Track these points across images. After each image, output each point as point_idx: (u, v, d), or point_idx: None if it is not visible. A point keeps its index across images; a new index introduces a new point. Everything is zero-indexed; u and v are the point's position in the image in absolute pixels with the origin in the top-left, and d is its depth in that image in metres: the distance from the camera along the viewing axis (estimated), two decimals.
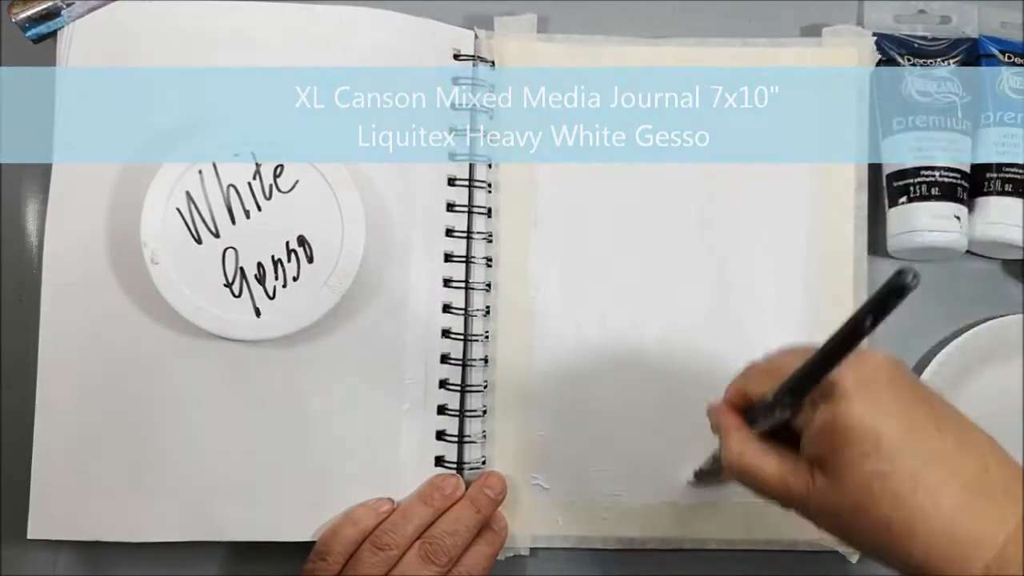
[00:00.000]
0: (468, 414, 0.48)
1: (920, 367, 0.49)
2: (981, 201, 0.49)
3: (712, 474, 0.45)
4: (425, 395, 0.47)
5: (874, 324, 0.31)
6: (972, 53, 0.50)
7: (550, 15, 0.51)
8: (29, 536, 0.45)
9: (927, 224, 0.48)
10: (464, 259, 0.48)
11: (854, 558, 0.48)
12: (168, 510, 0.45)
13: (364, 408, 0.46)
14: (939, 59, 0.50)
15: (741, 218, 0.49)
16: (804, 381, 0.33)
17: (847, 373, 0.33)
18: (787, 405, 0.34)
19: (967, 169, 0.49)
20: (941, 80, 0.49)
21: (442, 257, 0.48)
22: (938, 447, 0.32)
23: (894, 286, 0.30)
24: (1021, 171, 0.49)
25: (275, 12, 0.48)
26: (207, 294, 0.44)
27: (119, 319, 0.46)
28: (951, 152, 0.48)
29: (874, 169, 0.50)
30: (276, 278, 0.45)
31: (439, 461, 0.47)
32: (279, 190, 0.45)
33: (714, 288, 0.49)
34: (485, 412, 0.48)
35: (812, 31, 0.51)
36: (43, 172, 0.47)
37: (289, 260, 0.45)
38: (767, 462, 0.35)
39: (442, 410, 0.47)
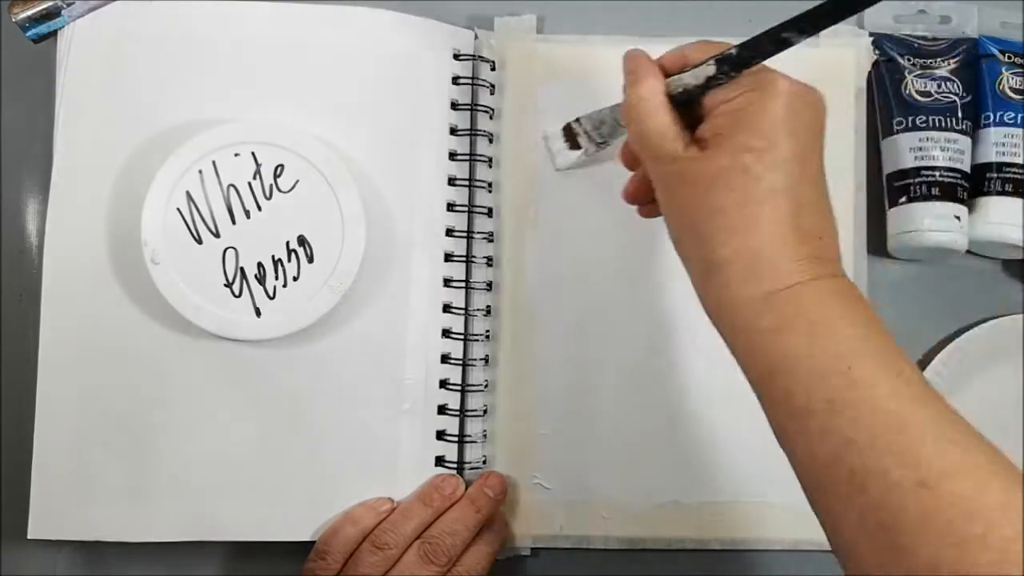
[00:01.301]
0: (468, 414, 0.48)
1: (920, 367, 0.49)
2: (981, 201, 0.49)
3: (592, 128, 0.45)
4: (425, 395, 0.47)
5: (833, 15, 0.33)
6: (972, 53, 0.50)
7: (550, 15, 0.51)
8: (29, 536, 0.45)
9: (927, 224, 0.48)
10: (464, 259, 0.48)
11: None
12: (168, 510, 0.45)
13: (364, 408, 0.46)
14: (939, 59, 0.50)
15: None
16: (754, 53, 0.34)
17: (789, 81, 0.35)
18: (722, 73, 0.35)
19: (967, 169, 0.49)
20: (941, 80, 0.49)
21: (442, 257, 0.48)
22: (807, 190, 0.34)
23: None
24: (1021, 171, 0.49)
25: (275, 12, 0.48)
26: (207, 294, 0.44)
27: (119, 319, 0.46)
28: (951, 152, 0.48)
29: (874, 169, 0.50)
30: (276, 278, 0.45)
31: (439, 461, 0.47)
32: (279, 190, 0.45)
33: None
34: (486, 412, 0.48)
35: None
36: (43, 172, 0.47)
37: (289, 260, 0.45)
38: (662, 114, 0.36)
39: (442, 410, 0.47)
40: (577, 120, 0.46)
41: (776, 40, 0.34)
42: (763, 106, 0.34)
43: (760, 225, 0.33)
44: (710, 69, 0.35)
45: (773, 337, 0.33)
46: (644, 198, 0.42)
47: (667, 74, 0.37)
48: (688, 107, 0.37)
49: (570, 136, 0.47)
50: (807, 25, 0.34)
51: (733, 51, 0.35)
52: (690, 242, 0.36)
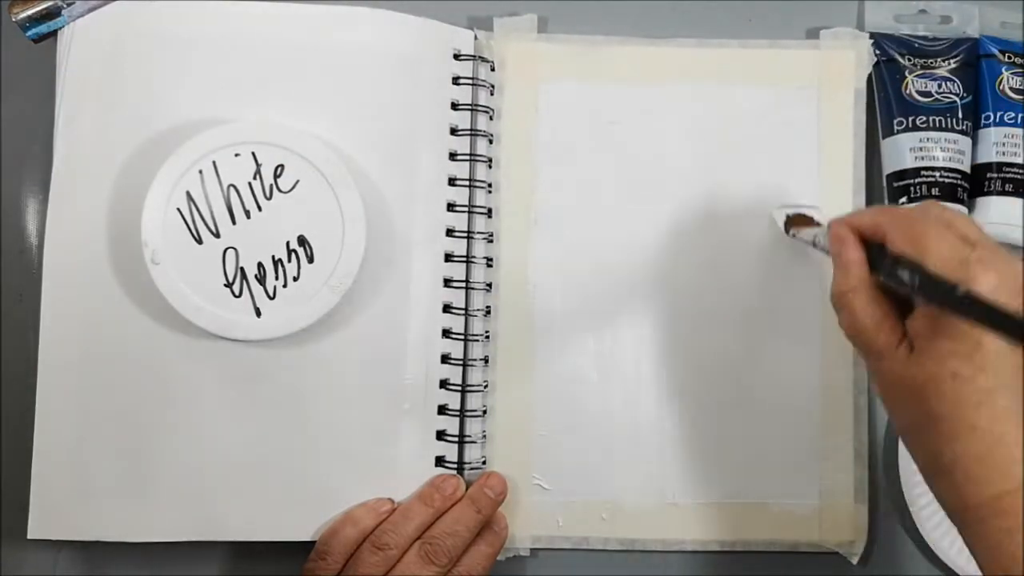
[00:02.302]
0: (469, 414, 0.48)
1: None
2: (981, 201, 0.49)
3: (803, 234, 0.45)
4: (425, 395, 0.47)
5: None
6: (972, 53, 0.50)
7: (550, 15, 0.51)
8: (29, 536, 0.45)
9: None
10: (464, 259, 0.48)
11: (854, 559, 0.48)
12: (168, 510, 0.45)
13: (364, 408, 0.46)
14: (939, 59, 0.50)
15: (741, 219, 0.49)
16: (948, 302, 0.32)
17: (986, 277, 0.33)
18: (927, 295, 0.33)
19: (967, 169, 0.49)
20: (941, 80, 0.49)
21: (442, 257, 0.48)
22: (1019, 385, 0.33)
23: None
24: (1021, 171, 0.49)
25: (275, 12, 0.48)
26: (207, 294, 0.44)
27: (119, 319, 0.46)
28: (951, 152, 0.48)
29: (874, 169, 0.50)
30: (276, 278, 0.45)
31: (439, 461, 0.47)
32: (279, 190, 0.45)
33: (714, 288, 0.49)
34: (485, 412, 0.48)
35: (812, 32, 0.51)
36: (43, 172, 0.47)
37: (289, 260, 0.45)
38: (871, 310, 0.36)
39: (442, 410, 0.47)
40: (799, 228, 0.45)
41: (979, 318, 0.32)
42: None
43: (978, 429, 0.33)
44: (904, 277, 0.34)
45: (1008, 538, 0.32)
46: None
47: (863, 238, 0.37)
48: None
49: (790, 225, 0.47)
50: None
51: (953, 287, 0.33)
52: (913, 441, 0.35)
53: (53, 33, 0.47)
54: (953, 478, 0.33)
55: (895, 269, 0.34)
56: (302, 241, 0.45)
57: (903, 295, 0.35)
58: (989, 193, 0.49)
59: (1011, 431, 0.32)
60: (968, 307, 0.32)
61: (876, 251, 0.36)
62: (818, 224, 0.45)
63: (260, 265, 0.45)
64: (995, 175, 0.49)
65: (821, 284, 0.49)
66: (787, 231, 0.47)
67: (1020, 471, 0.32)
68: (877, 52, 0.50)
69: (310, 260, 0.45)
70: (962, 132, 0.49)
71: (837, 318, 0.37)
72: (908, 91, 0.49)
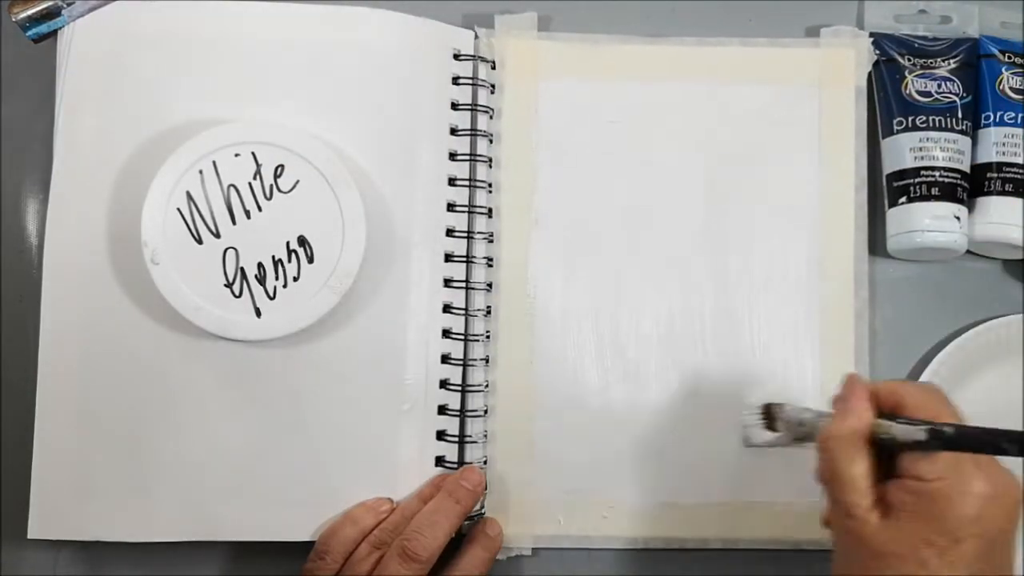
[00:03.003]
0: (469, 414, 0.48)
1: (920, 367, 0.49)
2: (981, 201, 0.49)
3: (793, 423, 0.42)
4: (425, 395, 0.47)
5: None
6: (972, 53, 0.50)
7: (550, 15, 0.51)
8: (29, 536, 0.45)
9: (927, 224, 0.48)
10: (464, 259, 0.48)
11: None
12: (168, 510, 0.45)
13: (364, 408, 0.46)
14: (939, 59, 0.50)
15: (741, 219, 0.49)
16: (970, 446, 0.33)
17: (985, 482, 0.33)
18: (930, 445, 0.34)
19: (967, 169, 0.49)
20: (941, 80, 0.49)
21: (442, 257, 0.48)
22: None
23: None
24: (1021, 171, 0.49)
25: (275, 12, 0.48)
26: (207, 294, 0.44)
27: (119, 319, 0.46)
28: (951, 152, 0.48)
29: (874, 169, 0.50)
30: (276, 278, 0.45)
31: (439, 461, 0.47)
32: (279, 190, 0.45)
33: (714, 288, 0.49)
34: (486, 412, 0.48)
35: (812, 31, 0.51)
36: (43, 172, 0.47)
37: (289, 260, 0.45)
38: (858, 462, 0.35)
39: (443, 410, 0.47)
40: (780, 405, 0.43)
41: (995, 446, 0.33)
42: (952, 503, 0.33)
43: None
44: (920, 435, 0.34)
45: None
46: None
47: (879, 402, 0.37)
48: (885, 451, 0.36)
49: (768, 417, 0.43)
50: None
51: (950, 431, 0.34)
52: None
53: (53, 33, 0.47)
54: None
55: (912, 425, 0.34)
56: (302, 241, 0.45)
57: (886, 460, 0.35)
58: (989, 193, 0.49)
59: None
60: (1001, 442, 0.32)
61: (887, 412, 0.36)
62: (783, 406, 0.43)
63: (260, 265, 0.45)
64: (995, 175, 0.49)
65: (823, 283, 0.49)
66: (770, 426, 0.43)
67: None
68: (877, 52, 0.50)
69: (310, 260, 0.45)
70: (962, 132, 0.49)
71: (819, 462, 0.37)
72: (908, 91, 0.49)
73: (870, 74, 0.50)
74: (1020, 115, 0.49)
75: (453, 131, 0.49)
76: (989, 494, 0.33)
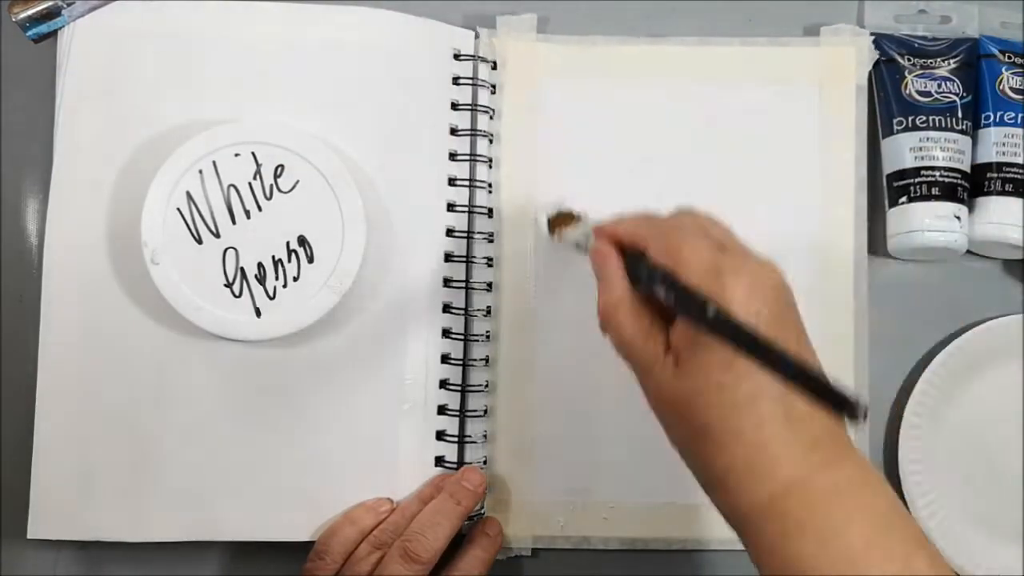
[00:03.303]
0: (469, 414, 0.48)
1: (920, 367, 0.49)
2: (981, 201, 0.49)
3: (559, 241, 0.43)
4: (425, 395, 0.47)
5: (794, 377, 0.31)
6: (972, 53, 0.50)
7: (550, 15, 0.51)
8: (29, 536, 0.45)
9: (927, 224, 0.48)
10: (464, 259, 0.48)
11: None
12: (168, 510, 0.45)
13: (364, 408, 0.46)
14: (939, 59, 0.50)
15: (742, 219, 0.49)
16: (701, 319, 0.33)
17: (738, 285, 0.33)
18: (682, 311, 0.34)
19: (967, 169, 0.49)
20: (941, 80, 0.49)
21: (443, 257, 0.48)
22: (780, 388, 0.32)
23: (840, 401, 0.30)
24: (1021, 171, 0.49)
25: (275, 12, 0.48)
26: (207, 294, 0.44)
27: (119, 319, 0.46)
28: (951, 152, 0.48)
29: (874, 169, 0.50)
30: (276, 278, 0.45)
31: (439, 461, 0.47)
32: (279, 190, 0.45)
33: None
34: (486, 412, 0.48)
35: (812, 30, 0.51)
36: (43, 172, 0.47)
37: (289, 260, 0.45)
38: (635, 324, 0.36)
39: (442, 410, 0.47)
40: (568, 219, 0.43)
41: (729, 337, 0.32)
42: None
43: (746, 433, 0.33)
44: (660, 292, 0.34)
45: (782, 542, 0.32)
46: None
47: (624, 250, 0.37)
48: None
49: (552, 226, 0.44)
50: (763, 358, 0.32)
51: (704, 305, 0.33)
52: (687, 455, 0.35)
53: (53, 33, 0.47)
54: (727, 486, 0.33)
55: (652, 283, 0.35)
56: (302, 241, 0.45)
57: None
58: (989, 193, 0.49)
59: (776, 435, 0.32)
60: (718, 326, 0.32)
61: (635, 263, 0.36)
62: (579, 219, 0.43)
63: (260, 265, 0.45)
64: (995, 175, 0.49)
65: (823, 283, 0.49)
66: (551, 232, 0.44)
67: (786, 473, 0.32)
68: (877, 52, 0.50)
69: (310, 260, 0.45)
70: (962, 132, 0.49)
71: (609, 337, 0.37)
72: (908, 91, 0.49)
73: (870, 74, 0.50)
74: (1020, 115, 0.49)
75: (453, 131, 0.49)
76: (748, 293, 0.33)
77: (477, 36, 0.50)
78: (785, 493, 0.32)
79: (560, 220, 0.44)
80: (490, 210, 0.49)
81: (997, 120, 0.49)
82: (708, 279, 0.34)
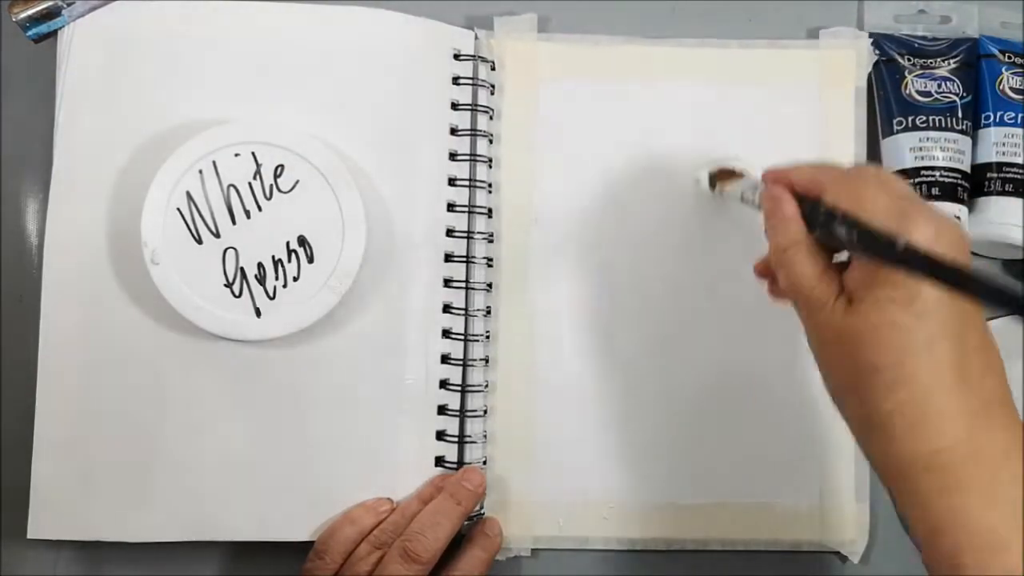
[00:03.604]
0: (469, 414, 0.48)
1: None
2: (981, 201, 0.49)
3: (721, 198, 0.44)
4: (425, 395, 0.47)
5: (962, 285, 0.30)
6: (972, 53, 0.50)
7: (550, 15, 0.51)
8: (29, 536, 0.45)
9: None
10: (464, 259, 0.48)
11: (855, 558, 0.48)
12: (168, 510, 0.45)
13: (364, 408, 0.46)
14: (939, 59, 0.50)
15: (741, 219, 0.49)
16: (887, 254, 0.32)
17: (925, 229, 0.32)
18: (865, 249, 0.33)
19: (967, 169, 0.49)
20: (941, 80, 0.49)
21: (442, 257, 0.48)
22: (966, 328, 0.32)
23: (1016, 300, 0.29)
24: (1021, 171, 0.49)
25: (275, 12, 0.48)
26: (207, 294, 0.44)
27: (119, 319, 0.46)
28: (951, 152, 0.48)
29: None
30: (276, 278, 0.45)
31: (439, 461, 0.47)
32: (279, 190, 0.45)
33: (714, 288, 0.49)
34: (486, 412, 0.48)
35: (812, 31, 0.51)
36: (43, 172, 0.47)
37: (289, 260, 0.45)
38: (809, 264, 0.35)
39: (442, 410, 0.47)
40: (730, 175, 0.44)
41: (920, 268, 0.31)
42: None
43: (920, 378, 0.32)
44: (842, 232, 0.34)
45: (939, 496, 0.31)
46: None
47: (798, 196, 0.36)
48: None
49: (714, 181, 0.46)
50: (952, 282, 0.31)
51: (892, 240, 0.32)
52: (849, 399, 0.34)
53: (53, 33, 0.47)
54: (889, 432, 0.32)
55: (831, 224, 0.34)
56: (302, 241, 0.45)
57: (839, 251, 0.35)
58: (989, 193, 0.49)
59: (950, 387, 0.32)
60: (908, 259, 0.31)
61: (811, 207, 0.36)
62: (742, 176, 0.44)
63: (260, 265, 0.45)
64: (995, 175, 0.49)
65: None
66: (712, 188, 0.45)
67: (955, 428, 0.32)
68: (877, 52, 0.50)
69: (310, 260, 0.45)
70: (962, 132, 0.49)
71: (779, 278, 0.36)
72: (908, 91, 0.49)
73: (870, 74, 0.51)
74: (1020, 115, 0.49)
75: (453, 131, 0.49)
76: (934, 235, 0.32)
77: (477, 37, 0.50)
78: (951, 448, 0.31)
79: (722, 175, 0.45)
80: (490, 210, 0.49)
81: (997, 120, 0.49)
82: (892, 221, 0.33)
